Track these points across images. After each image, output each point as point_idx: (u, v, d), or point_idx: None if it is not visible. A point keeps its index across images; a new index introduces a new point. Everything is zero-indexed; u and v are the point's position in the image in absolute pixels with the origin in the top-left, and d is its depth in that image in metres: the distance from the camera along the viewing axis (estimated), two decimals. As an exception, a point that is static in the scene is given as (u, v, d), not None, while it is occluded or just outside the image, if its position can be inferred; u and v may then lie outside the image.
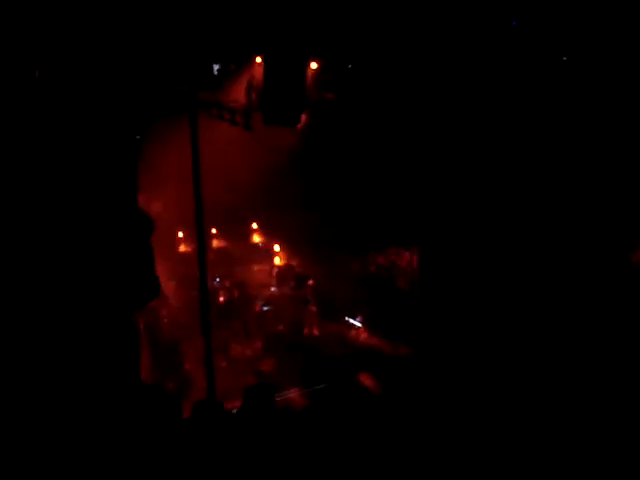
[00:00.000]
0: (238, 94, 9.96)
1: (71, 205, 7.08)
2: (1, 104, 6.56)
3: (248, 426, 5.91)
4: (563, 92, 9.24)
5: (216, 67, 10.05)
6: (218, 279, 12.35)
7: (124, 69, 7.77)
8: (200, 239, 9.21)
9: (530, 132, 9.50)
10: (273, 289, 12.63)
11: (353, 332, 11.25)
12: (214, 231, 12.92)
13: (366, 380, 9.68)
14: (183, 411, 6.14)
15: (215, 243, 13.13)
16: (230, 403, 7.56)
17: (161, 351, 9.79)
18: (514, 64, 9.11)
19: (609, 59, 8.86)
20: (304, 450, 6.54)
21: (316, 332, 11.40)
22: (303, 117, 10.14)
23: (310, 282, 12.29)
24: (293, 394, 9.32)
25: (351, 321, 11.31)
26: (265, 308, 11.87)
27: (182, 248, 12.83)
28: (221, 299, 11.97)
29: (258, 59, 9.46)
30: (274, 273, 12.93)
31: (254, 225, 13.20)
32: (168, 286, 11.82)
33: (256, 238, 13.24)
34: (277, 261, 13.05)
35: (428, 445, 7.14)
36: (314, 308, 11.70)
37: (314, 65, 10.06)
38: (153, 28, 8.25)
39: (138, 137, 9.48)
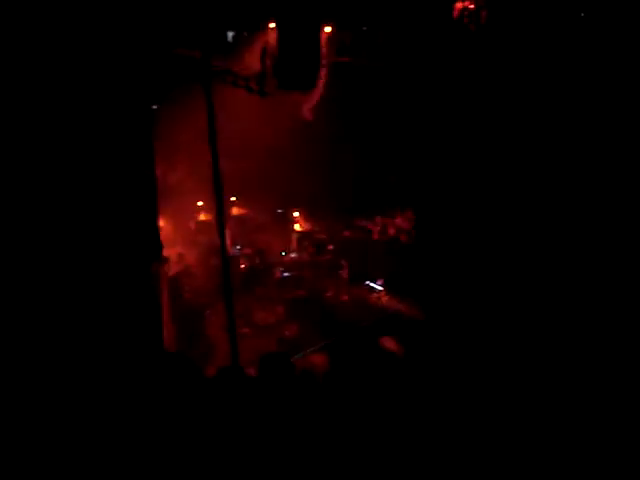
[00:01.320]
0: (252, 60, 9.93)
1: (84, 172, 7.13)
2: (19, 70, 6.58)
3: (268, 391, 5.99)
4: (579, 52, 9.06)
5: (230, 34, 10.02)
6: (239, 247, 12.43)
7: (138, 38, 7.75)
8: (219, 207, 9.27)
9: (535, 96, 9.36)
10: (293, 255, 12.69)
11: (374, 296, 11.31)
12: (233, 199, 12.97)
13: (388, 343, 9.75)
14: (206, 377, 6.24)
15: (235, 211, 13.18)
16: (254, 369, 7.65)
17: (184, 319, 9.90)
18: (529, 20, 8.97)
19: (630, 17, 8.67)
20: (326, 414, 6.63)
21: (346, 297, 11.45)
22: (321, 81, 10.11)
23: (330, 247, 12.35)
24: (315, 355, 9.43)
25: (372, 285, 11.36)
26: (286, 274, 11.95)
27: (202, 217, 12.89)
28: (242, 266, 12.05)
29: (272, 25, 9.42)
30: (294, 239, 12.99)
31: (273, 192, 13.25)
32: (189, 255, 11.93)
33: (276, 205, 13.31)
34: (297, 227, 13.09)
35: (445, 408, 7.18)
36: (345, 273, 11.75)
37: (328, 29, 10.02)
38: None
39: (155, 107, 9.50)
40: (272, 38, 9.39)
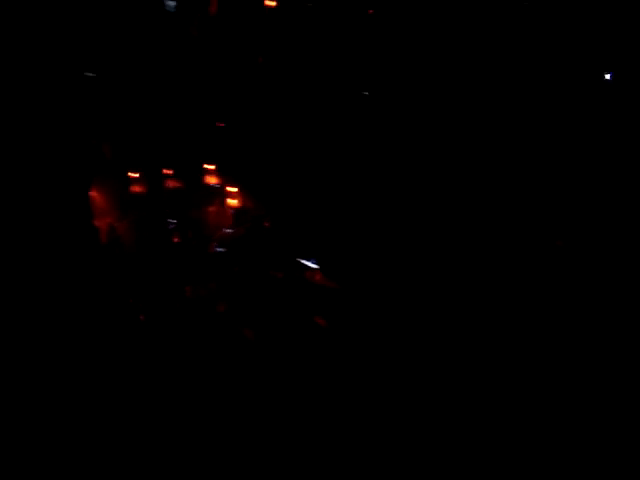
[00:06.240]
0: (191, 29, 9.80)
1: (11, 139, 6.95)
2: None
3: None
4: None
5: (172, 4, 9.85)
6: (174, 220, 12.24)
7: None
8: (154, 179, 9.13)
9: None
10: (228, 231, 12.57)
11: (308, 274, 11.29)
12: (169, 172, 12.74)
13: (320, 320, 9.81)
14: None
15: (170, 184, 12.96)
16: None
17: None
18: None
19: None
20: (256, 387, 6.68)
21: (279, 274, 11.39)
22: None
23: (266, 224, 12.27)
24: (248, 332, 9.43)
25: (305, 262, 11.33)
26: (220, 249, 11.84)
27: (136, 189, 12.63)
28: (175, 240, 11.88)
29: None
30: (229, 214, 12.86)
31: (210, 166, 13.05)
32: (121, 227, 11.69)
33: (211, 179, 13.12)
34: (232, 202, 12.94)
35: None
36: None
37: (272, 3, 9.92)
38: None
39: (91, 74, 9.27)
40: (213, 7, 9.26)
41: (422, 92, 9.91)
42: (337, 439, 7.42)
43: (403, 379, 8.13)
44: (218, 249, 11.71)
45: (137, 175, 12.57)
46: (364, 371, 8.44)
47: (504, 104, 9.48)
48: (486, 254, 9.27)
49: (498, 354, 8.14)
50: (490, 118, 9.58)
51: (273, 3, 9.93)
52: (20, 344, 7.33)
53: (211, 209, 13.03)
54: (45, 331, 7.62)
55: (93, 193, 10.08)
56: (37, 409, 6.82)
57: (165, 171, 12.34)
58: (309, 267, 11.22)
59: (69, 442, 6.64)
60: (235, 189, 13.04)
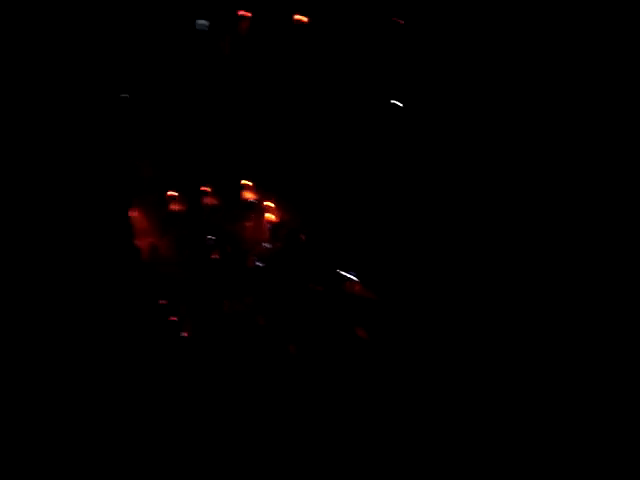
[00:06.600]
0: (222, 48, 9.92)
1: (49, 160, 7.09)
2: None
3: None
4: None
5: (200, 22, 9.97)
6: (211, 237, 12.36)
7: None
8: (193, 197, 9.23)
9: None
10: (267, 245, 12.64)
11: (347, 285, 11.29)
12: (207, 189, 12.89)
13: (361, 332, 9.81)
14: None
15: (208, 200, 13.09)
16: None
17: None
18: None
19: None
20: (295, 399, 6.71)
21: (320, 287, 11.41)
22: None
23: (302, 237, 12.31)
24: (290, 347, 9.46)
25: (345, 274, 11.34)
26: (258, 264, 11.91)
27: (175, 207, 12.78)
28: (213, 256, 11.99)
29: (242, 12, 9.40)
30: (266, 229, 12.94)
31: (247, 182, 13.17)
32: (162, 245, 11.83)
33: (248, 194, 13.22)
34: (270, 217, 13.03)
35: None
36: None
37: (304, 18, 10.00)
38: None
39: (126, 95, 9.44)
40: (243, 26, 9.37)
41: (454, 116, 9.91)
42: (379, 452, 7.44)
43: (444, 391, 8.11)
44: (257, 263, 11.78)
45: (176, 194, 12.74)
46: (405, 382, 8.43)
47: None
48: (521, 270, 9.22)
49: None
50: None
51: (305, 19, 10.01)
52: (59, 359, 7.49)
53: (248, 224, 13.13)
54: (85, 349, 7.76)
55: (134, 213, 10.26)
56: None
57: (203, 188, 12.50)
58: (348, 278, 11.23)
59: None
60: (272, 204, 13.14)
